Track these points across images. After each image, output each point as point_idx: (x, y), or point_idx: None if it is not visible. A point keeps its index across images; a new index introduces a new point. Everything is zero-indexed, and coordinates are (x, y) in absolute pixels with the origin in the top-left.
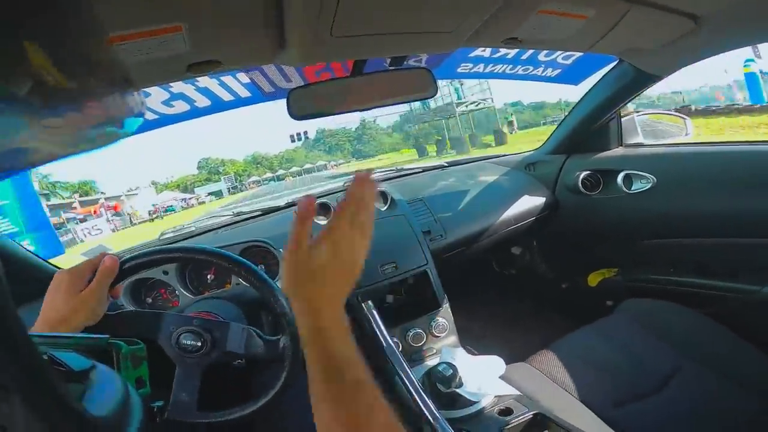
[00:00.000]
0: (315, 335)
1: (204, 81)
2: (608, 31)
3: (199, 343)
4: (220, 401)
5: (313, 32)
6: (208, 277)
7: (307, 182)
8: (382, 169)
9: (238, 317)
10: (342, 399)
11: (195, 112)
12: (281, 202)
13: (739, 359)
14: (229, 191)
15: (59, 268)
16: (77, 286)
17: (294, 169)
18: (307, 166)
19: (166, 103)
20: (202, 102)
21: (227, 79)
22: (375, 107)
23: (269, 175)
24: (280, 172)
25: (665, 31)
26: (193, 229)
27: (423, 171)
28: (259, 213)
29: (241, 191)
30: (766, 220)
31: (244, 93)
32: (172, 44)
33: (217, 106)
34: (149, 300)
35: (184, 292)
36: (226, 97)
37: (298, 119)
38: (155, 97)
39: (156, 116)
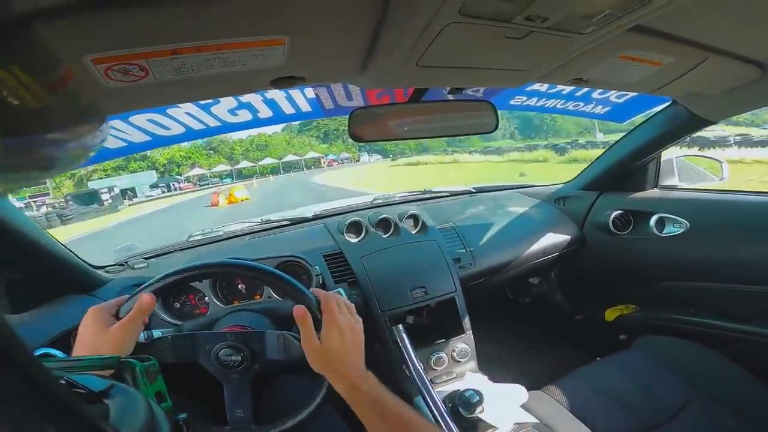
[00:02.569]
0: (352, 390)
1: (272, 92)
2: (679, 77)
3: (240, 357)
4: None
5: (402, 59)
6: (240, 286)
7: (289, 188)
8: (410, 192)
9: (271, 328)
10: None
11: (256, 122)
12: (309, 214)
13: (750, 397)
14: (125, 195)
15: (89, 264)
16: (105, 322)
17: (268, 161)
18: (290, 158)
19: (232, 111)
20: (265, 113)
21: (294, 93)
22: (432, 137)
23: (224, 168)
24: (244, 164)
25: (732, 78)
26: (221, 233)
27: (451, 195)
28: (288, 222)
29: (172, 193)
30: None
31: (306, 108)
32: (269, 57)
33: (278, 118)
34: (177, 305)
35: (215, 301)
36: (288, 110)
37: (357, 141)
38: (224, 105)
39: (218, 123)
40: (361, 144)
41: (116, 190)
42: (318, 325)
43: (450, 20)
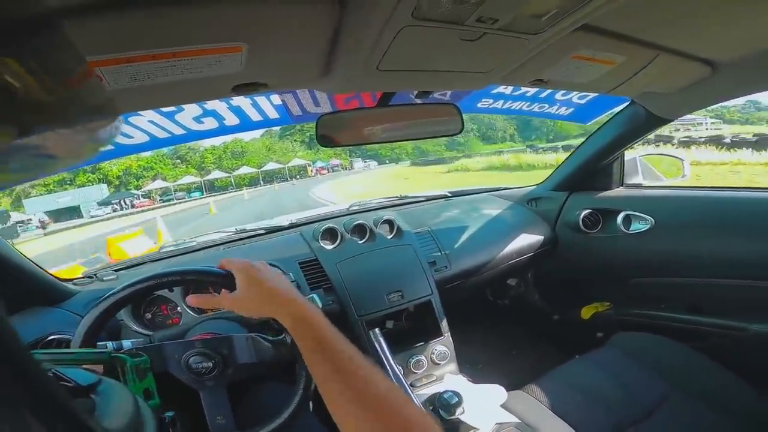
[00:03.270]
0: (296, 323)
1: (238, 100)
2: (632, 75)
3: (211, 364)
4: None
5: (361, 64)
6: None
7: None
8: (387, 197)
9: (241, 332)
10: (341, 371)
11: (222, 130)
12: (285, 223)
13: (724, 391)
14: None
15: (56, 277)
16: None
17: (245, 170)
18: (271, 166)
19: (197, 119)
20: (232, 120)
21: (260, 100)
22: (400, 140)
23: (192, 180)
24: (216, 174)
25: (683, 76)
26: (194, 244)
27: (427, 200)
28: (263, 231)
29: (123, 212)
30: (756, 264)
31: (273, 114)
32: (228, 64)
33: (245, 125)
34: (148, 315)
35: (188, 311)
36: (255, 117)
37: (324, 146)
38: (188, 113)
39: (184, 131)
40: (349, 149)
41: (35, 220)
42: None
43: (404, 24)
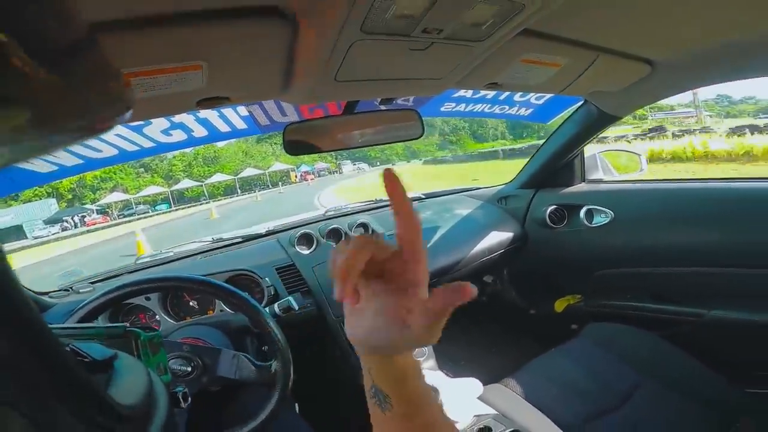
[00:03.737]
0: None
1: (205, 112)
2: (578, 76)
3: (189, 368)
4: (205, 425)
5: (319, 76)
6: (191, 303)
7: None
8: (361, 201)
9: (225, 343)
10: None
11: (191, 142)
12: (263, 231)
13: (691, 377)
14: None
15: (30, 290)
16: None
17: (219, 178)
18: (249, 172)
19: (165, 132)
20: (200, 132)
21: (227, 111)
22: (365, 146)
23: (157, 190)
24: (186, 183)
25: (625, 75)
26: (171, 254)
27: None
28: (240, 240)
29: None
30: (711, 252)
31: (241, 125)
32: (189, 81)
33: (213, 136)
34: (126, 324)
35: (166, 318)
36: (224, 128)
37: (291, 154)
38: (156, 126)
39: (153, 144)
40: (337, 154)
41: None
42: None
43: (355, 38)
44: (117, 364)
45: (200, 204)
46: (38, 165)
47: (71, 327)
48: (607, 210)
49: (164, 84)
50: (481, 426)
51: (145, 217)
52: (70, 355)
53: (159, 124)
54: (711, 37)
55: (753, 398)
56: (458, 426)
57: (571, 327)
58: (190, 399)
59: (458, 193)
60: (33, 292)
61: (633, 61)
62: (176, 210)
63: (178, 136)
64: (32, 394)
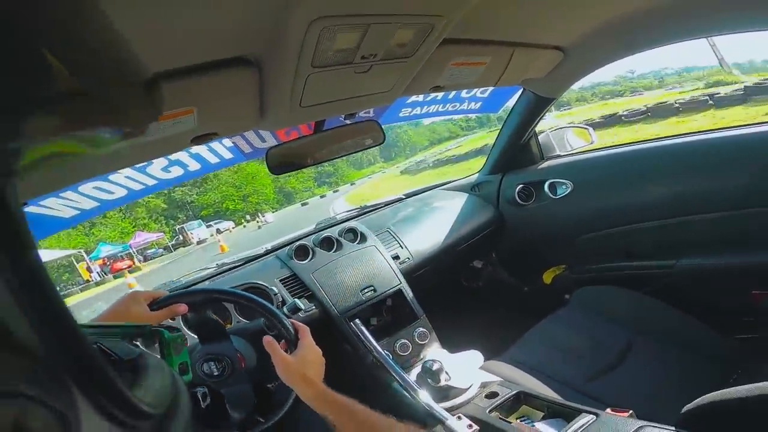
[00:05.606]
0: (319, 396)
1: (196, 147)
2: (504, 69)
3: (217, 372)
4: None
5: (287, 105)
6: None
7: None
8: (348, 209)
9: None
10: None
11: (187, 175)
12: (261, 251)
13: (678, 328)
14: None
15: None
16: (140, 305)
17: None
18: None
19: (165, 169)
20: (194, 166)
21: (215, 144)
22: (338, 157)
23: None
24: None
25: (544, 62)
26: (181, 283)
27: (385, 205)
28: (243, 262)
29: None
30: (665, 205)
31: (228, 155)
32: (184, 123)
33: (206, 168)
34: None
35: (192, 334)
36: (213, 160)
37: (278, 174)
38: (157, 165)
39: (155, 181)
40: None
41: None
42: (293, 344)
43: (308, 73)
44: (142, 363)
45: None
46: (62, 210)
47: (98, 325)
48: (567, 181)
49: (163, 128)
50: (488, 392)
51: None
52: (97, 353)
53: (159, 162)
54: (606, 14)
55: (744, 345)
56: (468, 395)
57: (564, 297)
58: (209, 399)
59: (436, 188)
60: None
61: (546, 50)
62: None
63: (176, 171)
64: (58, 389)
